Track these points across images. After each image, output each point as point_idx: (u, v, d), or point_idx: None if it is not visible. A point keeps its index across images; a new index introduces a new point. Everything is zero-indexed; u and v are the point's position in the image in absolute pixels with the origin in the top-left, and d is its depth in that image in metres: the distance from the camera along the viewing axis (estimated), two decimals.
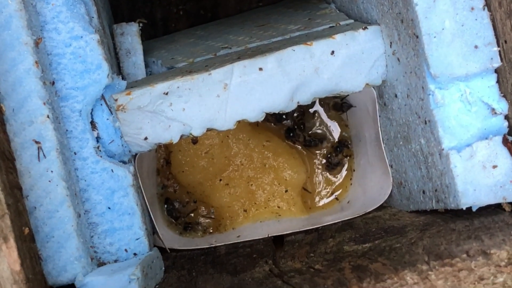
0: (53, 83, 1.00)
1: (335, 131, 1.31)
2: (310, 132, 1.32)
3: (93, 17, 1.03)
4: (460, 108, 0.95)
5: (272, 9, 1.38)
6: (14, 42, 0.93)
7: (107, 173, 1.02)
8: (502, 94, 0.95)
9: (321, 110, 1.29)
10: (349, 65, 1.06)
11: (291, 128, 1.30)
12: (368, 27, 1.07)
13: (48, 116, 0.94)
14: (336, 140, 1.31)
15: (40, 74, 0.94)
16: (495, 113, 0.94)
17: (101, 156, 1.02)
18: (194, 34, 1.35)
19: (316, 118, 1.30)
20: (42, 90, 0.94)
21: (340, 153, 1.31)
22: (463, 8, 0.93)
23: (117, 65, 1.19)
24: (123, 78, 1.19)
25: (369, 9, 1.11)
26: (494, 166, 0.92)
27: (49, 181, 0.94)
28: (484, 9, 0.93)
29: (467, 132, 0.94)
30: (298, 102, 1.06)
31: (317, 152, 1.32)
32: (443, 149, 0.95)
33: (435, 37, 0.93)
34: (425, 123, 0.98)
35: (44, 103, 0.94)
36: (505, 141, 0.93)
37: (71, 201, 0.95)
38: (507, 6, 0.92)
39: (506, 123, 0.95)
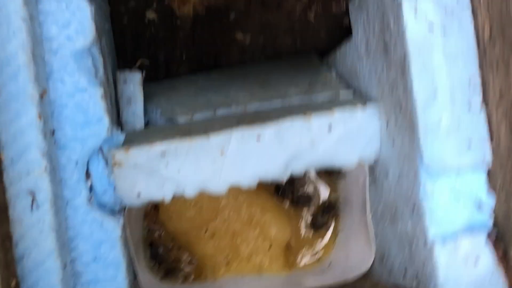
0: (53, 132, 1.01)
1: (324, 192, 1.33)
2: (299, 191, 1.33)
3: (98, 70, 1.05)
4: (449, 200, 0.97)
5: (275, 66, 1.40)
6: (19, 94, 0.94)
7: (97, 224, 1.04)
8: (491, 190, 0.97)
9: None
10: (345, 141, 1.08)
11: (281, 185, 1.32)
12: (366, 105, 1.09)
13: (45, 168, 0.95)
14: (324, 201, 1.33)
15: (41, 127, 0.95)
16: (482, 207, 0.97)
17: (92, 207, 1.03)
18: (196, 83, 1.37)
19: (306, 178, 1.32)
20: (42, 142, 0.95)
21: (326, 215, 1.33)
22: (461, 104, 0.96)
23: (116, 112, 1.20)
24: (121, 126, 1.21)
25: (369, 87, 1.13)
26: (477, 262, 0.95)
27: (40, 231, 0.95)
28: (481, 106, 0.96)
29: (453, 224, 0.97)
30: (291, 172, 1.08)
31: (304, 211, 1.34)
32: (428, 238, 0.97)
33: (431, 129, 0.96)
34: (414, 208, 1.00)
35: (43, 155, 0.95)
36: (489, 238, 0.95)
37: (59, 252, 0.96)
38: (503, 107, 0.95)
39: (491, 220, 0.97)
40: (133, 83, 1.23)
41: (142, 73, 1.26)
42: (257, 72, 1.38)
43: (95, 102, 1.03)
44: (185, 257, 1.31)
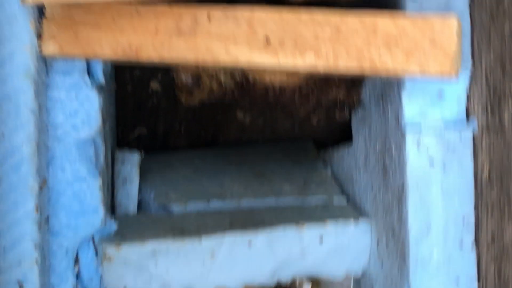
0: (48, 218, 1.02)
1: None
2: None
3: (99, 159, 1.06)
4: None
5: (271, 153, 1.41)
6: (20, 185, 0.95)
7: None
8: None
9: None
10: (334, 254, 1.09)
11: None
12: (359, 219, 1.10)
13: (36, 261, 0.95)
14: None
15: (38, 218, 0.96)
16: None
17: None
18: (192, 163, 1.37)
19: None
20: (36, 234, 0.96)
21: None
22: (453, 242, 0.97)
23: (111, 191, 1.21)
24: (114, 207, 1.21)
25: (363, 200, 1.14)
26: None
27: None
28: (472, 246, 0.97)
29: None
30: (278, 279, 1.09)
31: None
32: None
33: (421, 263, 0.97)
34: None
35: (35, 247, 0.95)
36: None
37: None
38: (494, 250, 0.96)
39: None
40: (130, 164, 1.24)
41: (140, 153, 1.26)
42: (253, 159, 1.39)
43: (92, 192, 1.03)
44: None
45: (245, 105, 1.11)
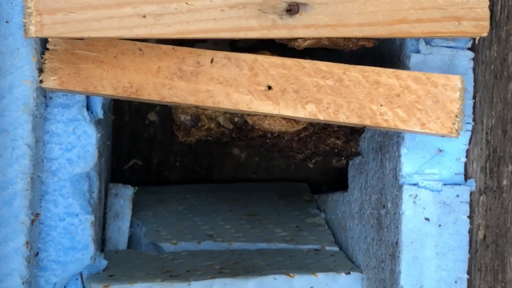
0: (37, 253, 1.00)
1: None
2: None
3: (93, 194, 1.05)
4: None
5: (265, 193, 1.40)
6: (11, 219, 0.94)
7: None
8: None
9: None
10: None
11: None
12: (351, 272, 1.09)
13: None
14: None
15: (27, 254, 0.94)
16: None
17: None
18: (185, 198, 1.36)
19: None
20: (25, 270, 0.95)
21: None
22: None
23: (102, 225, 1.20)
24: (104, 241, 1.20)
25: (356, 250, 1.13)
26: None
27: None
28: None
29: None
30: None
31: None
32: None
33: None
34: None
35: (23, 283, 0.94)
36: None
37: None
38: None
39: None
40: (123, 198, 1.23)
41: (134, 188, 1.26)
42: (247, 198, 1.38)
43: (84, 228, 1.02)
44: None
45: (242, 144, 1.10)
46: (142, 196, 1.34)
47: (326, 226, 1.27)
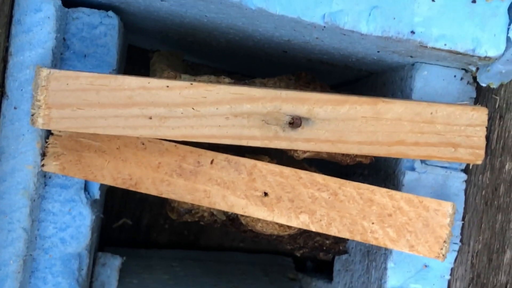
0: None
1: None
2: None
3: (82, 272, 1.06)
4: None
5: (250, 267, 1.42)
6: None
7: None
8: None
9: None
10: None
11: None
12: None
13: None
14: None
15: None
16: None
17: None
18: (171, 266, 1.38)
19: None
20: None
21: None
22: None
23: None
24: None
25: None
26: None
27: None
28: None
29: None
30: None
31: None
32: None
33: None
34: None
35: None
36: None
37: None
38: None
39: None
40: (111, 268, 1.25)
41: (122, 258, 1.27)
42: (232, 272, 1.39)
43: None
44: None
45: (233, 231, 1.12)
46: (130, 260, 1.35)
47: None
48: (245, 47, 1.17)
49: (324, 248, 1.13)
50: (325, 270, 1.35)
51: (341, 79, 1.25)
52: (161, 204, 1.52)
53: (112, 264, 1.25)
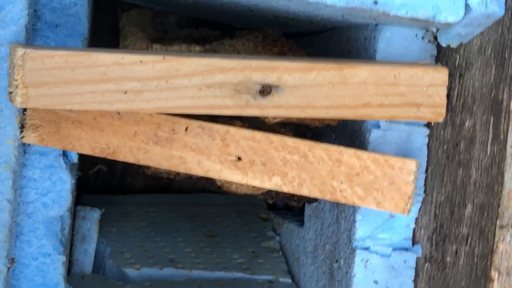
0: None
1: None
2: None
3: (65, 234, 1.11)
4: None
5: (223, 209, 1.48)
6: None
7: None
8: None
9: None
10: None
11: None
12: None
13: None
14: None
15: None
16: None
17: None
18: (147, 212, 1.43)
19: None
20: None
21: None
22: None
23: (69, 247, 1.26)
24: (70, 263, 1.27)
25: (307, 287, 1.22)
26: None
27: None
28: None
29: None
30: None
31: None
32: None
33: None
34: None
35: None
36: None
37: None
38: None
39: None
40: (90, 221, 1.30)
41: (101, 210, 1.32)
42: (206, 215, 1.45)
43: (55, 268, 1.09)
44: None
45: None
46: (107, 208, 1.40)
47: (280, 252, 1.36)
48: (212, 6, 1.19)
49: (295, 198, 1.18)
50: (296, 211, 1.41)
51: (307, 30, 1.28)
52: None
53: (92, 217, 1.29)
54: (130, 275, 1.26)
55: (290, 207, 1.49)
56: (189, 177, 1.16)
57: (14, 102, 0.92)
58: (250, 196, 1.14)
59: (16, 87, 0.92)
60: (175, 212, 1.45)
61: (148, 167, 1.17)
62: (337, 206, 1.14)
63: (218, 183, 1.07)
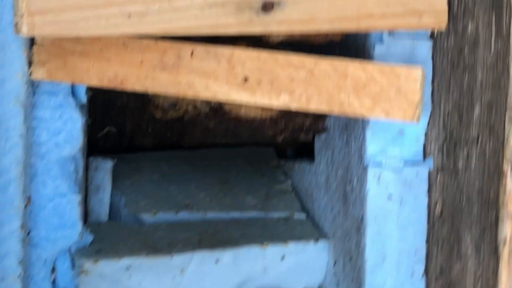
0: (29, 232, 1.08)
1: None
2: None
3: (79, 174, 1.12)
4: None
5: (234, 160, 1.48)
6: (6, 205, 1.00)
7: None
8: None
9: None
10: (294, 270, 1.18)
11: None
12: (319, 240, 1.19)
13: (19, 275, 1.02)
14: None
15: (22, 237, 1.02)
16: None
17: None
18: (159, 167, 1.44)
19: None
20: (21, 251, 1.02)
21: None
22: (405, 272, 1.07)
23: (84, 198, 1.27)
24: (86, 213, 1.27)
25: (322, 219, 1.23)
26: None
27: None
28: (422, 277, 1.07)
29: None
30: None
31: None
32: None
33: None
34: None
35: (19, 263, 1.02)
36: None
37: None
38: (442, 283, 1.06)
39: None
40: (103, 171, 1.30)
41: (113, 160, 1.32)
42: (218, 165, 1.46)
43: (71, 208, 1.10)
44: None
45: (217, 122, 1.17)
46: (119, 164, 1.41)
47: (293, 194, 1.36)
48: None
49: (304, 128, 1.19)
50: (306, 154, 1.42)
51: None
52: (142, 109, 1.56)
53: (104, 167, 1.30)
54: (146, 221, 1.26)
55: (299, 154, 1.50)
56: (198, 114, 1.16)
57: (20, 32, 0.93)
58: (258, 125, 1.15)
59: (22, 16, 0.93)
60: (186, 165, 1.45)
61: (157, 110, 1.18)
62: (346, 129, 1.15)
63: (227, 109, 1.08)
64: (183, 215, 1.28)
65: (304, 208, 1.32)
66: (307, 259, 1.18)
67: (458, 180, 1.03)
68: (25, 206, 1.03)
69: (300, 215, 1.29)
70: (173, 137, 1.58)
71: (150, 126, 1.57)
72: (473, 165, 1.00)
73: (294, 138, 1.25)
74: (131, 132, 1.57)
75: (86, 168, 1.29)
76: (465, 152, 1.02)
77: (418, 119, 1.00)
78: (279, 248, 1.17)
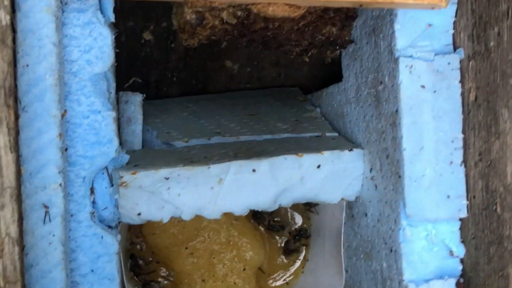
0: (66, 149, 1.08)
1: (298, 221, 1.43)
2: (275, 218, 1.42)
3: (111, 93, 1.12)
4: (424, 246, 1.07)
5: (261, 97, 1.49)
6: (44, 113, 1.01)
7: (97, 238, 1.11)
8: (462, 240, 1.07)
9: None
10: (331, 180, 1.18)
11: (259, 211, 1.41)
12: (353, 149, 1.19)
13: (60, 184, 1.02)
14: (297, 229, 1.42)
15: (61, 145, 1.02)
16: (453, 255, 1.07)
17: (94, 222, 1.10)
18: (187, 107, 1.44)
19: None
20: (60, 160, 1.02)
21: (298, 241, 1.42)
22: (443, 161, 1.06)
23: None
24: (121, 144, 1.28)
25: (355, 131, 1.23)
26: None
27: (50, 243, 1.02)
28: (461, 165, 1.06)
29: (427, 268, 1.07)
30: (280, 205, 1.17)
31: (277, 237, 1.43)
32: (403, 280, 1.07)
33: (415, 181, 1.06)
34: (391, 251, 1.10)
35: (59, 172, 1.02)
36: (458, 284, 1.05)
37: (64, 264, 1.03)
38: (481, 167, 1.05)
39: (460, 267, 1.07)
40: (134, 104, 1.31)
41: (142, 95, 1.33)
42: (245, 102, 1.46)
43: (107, 124, 1.10)
44: (163, 271, 1.39)
45: (243, 41, 1.18)
46: (147, 107, 1.41)
47: (323, 118, 1.36)
48: None
49: (332, 40, 1.19)
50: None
51: None
52: (166, 59, 1.58)
53: (134, 100, 1.31)
54: (179, 146, 1.26)
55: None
56: (226, 30, 1.17)
57: None
58: (285, 35, 1.15)
59: None
60: (214, 105, 1.46)
61: (184, 32, 1.18)
62: (374, 33, 1.15)
63: (255, 11, 1.09)
64: (216, 139, 1.28)
65: (334, 129, 1.32)
66: (343, 168, 1.18)
67: (491, 60, 1.03)
68: (62, 116, 1.03)
69: (332, 134, 1.29)
70: (198, 85, 1.60)
71: (175, 75, 1.59)
72: (505, 40, 1.00)
73: (321, 58, 1.25)
74: (156, 82, 1.58)
75: (117, 102, 1.30)
76: (496, 30, 1.02)
77: (447, 4, 1.00)
78: (314, 157, 1.17)
